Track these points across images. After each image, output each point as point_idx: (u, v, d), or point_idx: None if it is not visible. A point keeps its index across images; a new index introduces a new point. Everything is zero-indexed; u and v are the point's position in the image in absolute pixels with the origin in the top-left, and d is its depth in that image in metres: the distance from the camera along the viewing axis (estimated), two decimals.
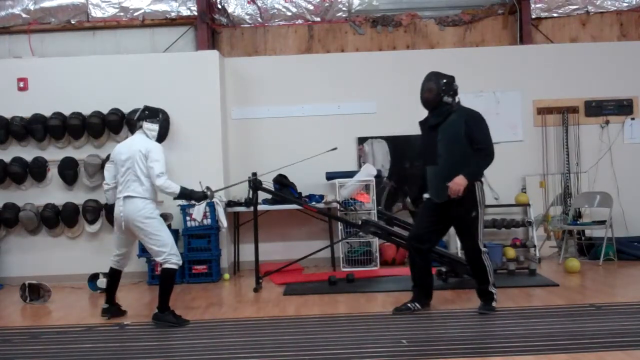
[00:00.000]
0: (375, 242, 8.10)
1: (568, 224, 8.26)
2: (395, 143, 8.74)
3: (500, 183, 8.09)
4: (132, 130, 8.09)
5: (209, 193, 5.96)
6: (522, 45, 9.03)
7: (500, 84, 8.65)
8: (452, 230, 5.93)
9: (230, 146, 8.64)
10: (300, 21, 9.27)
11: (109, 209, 6.11)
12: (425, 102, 5.60)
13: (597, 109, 8.75)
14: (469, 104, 5.75)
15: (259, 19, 9.27)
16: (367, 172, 8.26)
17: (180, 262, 5.74)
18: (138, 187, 5.55)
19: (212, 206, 7.78)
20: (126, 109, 8.11)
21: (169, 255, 5.60)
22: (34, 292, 6.86)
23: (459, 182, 5.30)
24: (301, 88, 8.75)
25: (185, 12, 9.14)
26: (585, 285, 6.80)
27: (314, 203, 8.12)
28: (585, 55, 8.79)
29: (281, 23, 9.27)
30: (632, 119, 8.77)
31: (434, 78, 5.56)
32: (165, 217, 7.91)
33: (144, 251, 7.76)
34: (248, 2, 9.25)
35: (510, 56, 8.84)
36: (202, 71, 8.25)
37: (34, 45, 9.03)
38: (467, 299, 6.01)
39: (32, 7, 9.09)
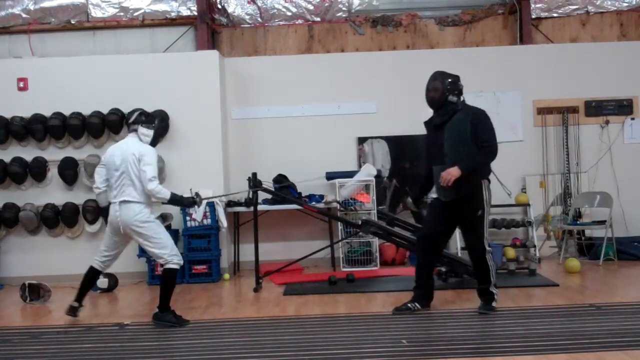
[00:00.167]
0: (375, 242, 8.10)
1: (568, 224, 8.26)
2: (395, 143, 8.74)
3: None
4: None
5: (197, 199, 5.98)
6: (522, 45, 9.03)
7: (500, 84, 8.65)
8: None
9: (230, 146, 8.64)
10: (300, 21, 9.27)
11: (102, 212, 6.08)
12: (431, 101, 5.60)
13: (597, 109, 8.75)
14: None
15: (259, 19, 9.27)
16: (367, 172, 8.26)
17: (182, 262, 5.74)
18: (133, 192, 5.53)
19: (212, 206, 7.78)
20: (126, 109, 8.06)
21: (170, 256, 5.61)
22: (34, 292, 6.86)
23: (451, 172, 5.30)
24: (301, 88, 8.75)
25: (185, 12, 9.14)
26: (585, 285, 6.80)
27: (314, 203, 8.12)
28: (585, 55, 8.79)
29: (281, 23, 9.27)
30: (632, 119, 8.77)
31: (439, 77, 5.56)
32: (166, 217, 7.90)
33: (144, 251, 7.76)
34: (248, 2, 9.25)
35: (510, 56, 8.84)
36: (202, 71, 8.25)
37: (34, 45, 9.03)
38: (467, 299, 6.01)
39: (32, 7, 9.09)
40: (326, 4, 9.24)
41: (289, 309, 6.05)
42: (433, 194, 5.84)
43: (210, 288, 7.39)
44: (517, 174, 8.56)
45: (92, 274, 5.90)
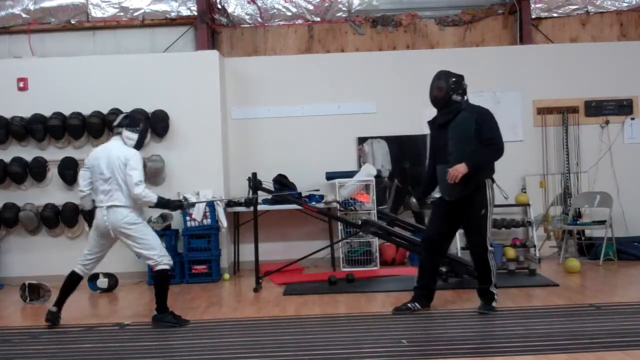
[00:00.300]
0: (375, 242, 8.09)
1: (568, 224, 8.26)
2: (395, 143, 8.73)
3: (500, 183, 8.01)
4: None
5: (185, 203, 5.99)
6: (522, 45, 9.03)
7: (500, 84, 8.65)
8: None
9: (230, 146, 8.64)
10: (300, 21, 9.27)
11: (85, 215, 6.04)
12: (435, 100, 5.60)
13: (597, 109, 8.75)
14: None
15: (259, 19, 9.27)
16: (367, 172, 8.26)
17: (172, 263, 5.73)
18: (121, 196, 5.50)
19: (212, 206, 7.79)
20: (126, 109, 8.07)
21: (160, 257, 5.59)
22: (34, 292, 6.86)
23: (458, 168, 5.29)
24: (301, 88, 8.74)
25: (185, 12, 9.14)
26: (585, 285, 6.80)
27: (314, 203, 8.12)
28: (585, 55, 8.79)
29: (281, 23, 9.27)
30: (632, 119, 8.77)
31: (443, 77, 5.56)
32: (166, 217, 7.93)
33: None
34: (248, 2, 9.25)
35: (510, 56, 8.84)
36: (202, 71, 8.25)
37: (34, 45, 9.03)
38: (467, 299, 6.01)
39: (32, 7, 9.09)
40: (326, 4, 9.24)
41: (289, 309, 6.05)
42: (437, 194, 5.84)
43: (210, 288, 7.39)
44: (517, 174, 8.55)
45: (73, 280, 5.77)
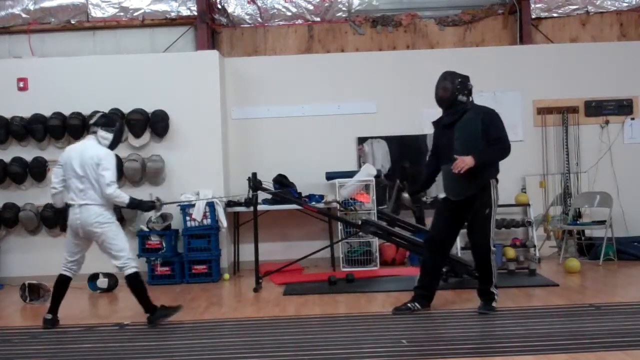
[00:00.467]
0: (375, 242, 8.09)
1: (568, 224, 8.26)
2: (395, 143, 8.73)
3: (500, 183, 8.05)
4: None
5: (157, 204, 5.97)
6: (522, 45, 9.03)
7: (500, 84, 8.64)
8: None
9: (230, 146, 8.64)
10: (300, 21, 9.27)
11: (57, 213, 6.02)
12: (440, 101, 5.60)
13: (597, 109, 8.75)
14: None
15: (259, 19, 9.27)
16: (367, 172, 8.26)
17: (138, 266, 5.74)
18: (94, 195, 5.48)
19: (212, 206, 7.79)
20: (126, 109, 8.11)
21: (127, 259, 5.58)
22: (34, 292, 6.86)
23: (465, 159, 5.28)
24: (301, 88, 8.74)
25: (185, 12, 9.14)
26: (585, 285, 6.80)
27: (314, 203, 8.12)
28: (585, 55, 8.79)
29: (281, 23, 9.27)
30: (632, 119, 8.77)
31: (449, 77, 5.56)
32: (166, 217, 7.93)
33: (144, 251, 7.78)
34: (248, 2, 9.25)
35: (510, 56, 8.84)
36: (202, 71, 8.25)
37: (34, 45, 9.03)
38: (467, 299, 6.01)
39: (32, 7, 9.09)
40: (326, 4, 9.24)
41: (289, 309, 6.05)
42: (441, 194, 5.84)
43: (210, 288, 7.39)
44: (517, 174, 8.55)
45: (62, 283, 5.76)
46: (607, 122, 8.75)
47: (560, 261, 7.94)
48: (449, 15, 9.27)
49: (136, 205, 5.77)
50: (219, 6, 9.26)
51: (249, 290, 7.05)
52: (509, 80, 8.72)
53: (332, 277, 7.16)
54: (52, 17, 9.08)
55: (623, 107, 8.76)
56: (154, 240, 7.79)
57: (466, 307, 5.76)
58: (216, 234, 7.87)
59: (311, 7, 9.25)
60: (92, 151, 5.53)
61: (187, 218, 7.81)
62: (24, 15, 9.09)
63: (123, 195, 5.55)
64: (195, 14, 9.05)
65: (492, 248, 5.52)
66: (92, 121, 5.76)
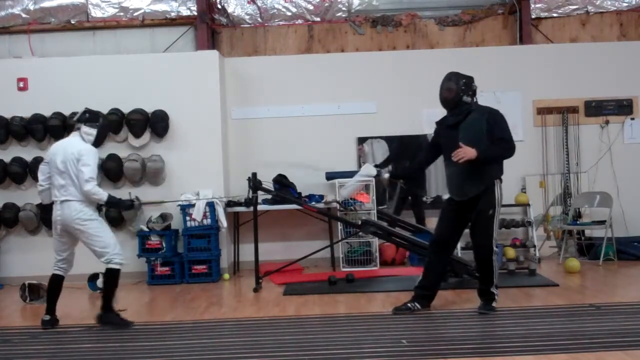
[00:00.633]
0: (375, 242, 8.09)
1: (568, 224, 8.26)
2: (395, 143, 8.73)
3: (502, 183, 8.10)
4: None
5: (136, 203, 5.94)
6: (522, 45, 9.03)
7: (500, 84, 8.63)
8: None
9: (230, 146, 8.64)
10: (300, 21, 9.27)
11: (44, 209, 5.98)
12: (445, 102, 5.60)
13: (597, 109, 8.75)
14: None
15: (259, 19, 9.27)
16: (367, 172, 8.24)
17: (124, 262, 5.68)
18: (75, 191, 5.45)
19: (212, 206, 7.79)
20: (126, 109, 8.11)
21: (112, 255, 5.54)
22: (34, 292, 6.86)
23: (467, 150, 5.27)
24: (301, 88, 8.75)
25: (185, 12, 9.14)
26: (585, 285, 6.80)
27: (313, 203, 8.12)
28: (585, 55, 8.79)
29: (281, 23, 9.27)
30: (632, 119, 8.77)
31: (453, 78, 5.56)
32: (165, 217, 7.93)
33: (144, 251, 7.78)
34: (248, 2, 9.25)
35: (510, 56, 8.84)
36: (202, 71, 8.25)
37: (34, 45, 9.03)
38: (467, 299, 6.01)
39: (32, 7, 9.09)
40: (326, 4, 9.24)
41: (289, 309, 6.05)
42: (445, 195, 5.83)
43: (210, 288, 7.39)
44: (517, 174, 8.53)
45: (56, 282, 5.73)
46: (607, 122, 8.75)
47: (560, 261, 7.94)
48: (449, 15, 9.27)
49: (114, 203, 5.73)
50: (219, 6, 9.26)
51: (249, 290, 7.05)
52: (509, 80, 8.72)
53: (332, 277, 7.16)
54: (52, 17, 9.08)
55: (623, 107, 8.76)
56: (154, 240, 7.79)
57: (466, 307, 5.76)
58: (216, 234, 7.87)
59: (311, 7, 9.25)
60: (73, 147, 5.50)
61: (187, 218, 7.80)
62: (24, 15, 9.09)
63: (101, 192, 5.49)
64: (195, 14, 9.05)
65: (495, 249, 5.51)
66: (75, 118, 5.71)
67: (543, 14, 9.26)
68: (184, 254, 7.79)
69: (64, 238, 5.63)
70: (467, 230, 5.76)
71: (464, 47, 9.10)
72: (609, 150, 8.71)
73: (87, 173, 5.39)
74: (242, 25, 9.28)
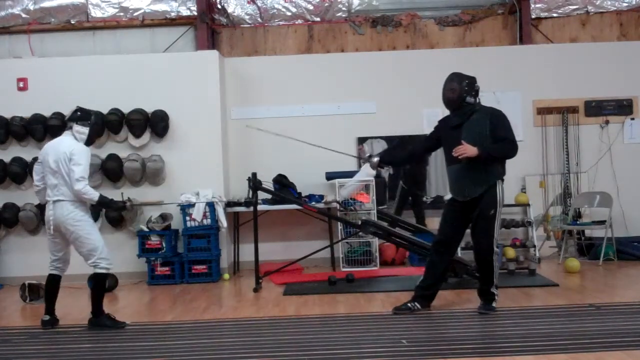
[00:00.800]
0: (375, 242, 8.09)
1: (568, 224, 8.26)
2: (395, 143, 8.72)
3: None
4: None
5: (128, 204, 5.93)
6: (522, 45, 9.03)
7: (500, 84, 8.63)
8: None
9: (230, 146, 8.64)
10: (300, 21, 9.27)
11: (43, 209, 5.95)
12: (448, 102, 5.60)
13: (597, 109, 8.75)
14: None
15: (259, 19, 9.27)
16: (367, 172, 8.25)
17: (111, 267, 5.66)
18: (67, 191, 5.44)
19: (212, 206, 7.79)
20: (126, 109, 8.11)
21: (99, 259, 5.52)
22: (34, 292, 6.86)
23: (468, 146, 5.29)
24: (301, 88, 8.75)
25: (185, 12, 9.14)
26: (585, 285, 6.79)
27: (313, 203, 8.12)
28: (585, 55, 8.79)
29: (281, 23, 9.27)
30: (632, 119, 8.77)
31: (456, 79, 5.56)
32: (165, 217, 7.93)
33: (144, 251, 7.78)
34: (248, 2, 9.25)
35: (510, 56, 8.84)
36: (202, 71, 8.25)
37: (34, 45, 9.04)
38: (467, 299, 6.01)
39: (32, 7, 9.10)
40: (326, 4, 9.24)
41: (289, 309, 6.04)
42: (447, 195, 5.83)
43: (210, 288, 7.39)
44: (517, 174, 8.54)
45: (53, 282, 5.72)
46: (607, 122, 8.75)
47: (560, 261, 7.95)
48: (449, 15, 9.28)
49: (106, 203, 5.71)
50: (219, 6, 9.27)
51: (248, 290, 7.05)
52: (509, 80, 8.72)
53: (332, 277, 7.16)
54: (52, 17, 9.09)
55: (623, 107, 8.77)
56: (154, 240, 7.79)
57: (466, 307, 5.76)
58: (216, 234, 7.87)
59: (311, 7, 9.25)
60: (65, 146, 5.48)
61: (187, 218, 7.80)
62: (24, 15, 9.10)
63: (92, 192, 5.46)
64: (195, 14, 9.05)
65: (495, 249, 5.51)
66: (67, 117, 5.67)
67: (543, 14, 9.26)
68: (184, 254, 7.79)
69: (57, 238, 5.63)
70: (467, 230, 5.76)
71: (464, 47, 9.11)
72: (609, 150, 8.71)
73: (78, 172, 5.37)
74: (242, 25, 9.28)
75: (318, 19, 9.27)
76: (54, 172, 5.47)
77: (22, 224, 8.06)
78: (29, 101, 8.12)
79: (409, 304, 5.66)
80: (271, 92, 8.75)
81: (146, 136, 8.15)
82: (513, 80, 8.72)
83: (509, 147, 5.44)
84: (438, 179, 8.68)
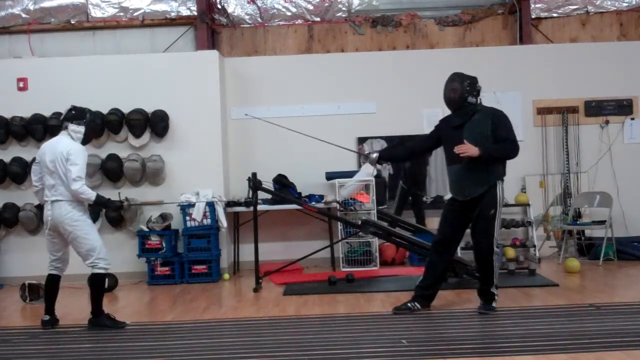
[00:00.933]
0: (375, 242, 8.09)
1: (568, 224, 8.26)
2: (395, 143, 8.72)
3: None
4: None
5: (125, 204, 5.91)
6: (522, 45, 9.03)
7: (500, 84, 8.63)
8: None
9: (230, 146, 8.64)
10: (300, 21, 9.27)
11: (42, 209, 5.94)
12: (449, 102, 5.60)
13: (597, 109, 8.75)
14: None
15: (259, 19, 9.27)
16: (367, 172, 8.25)
17: (109, 267, 5.65)
18: (65, 191, 5.43)
19: (212, 206, 7.79)
20: (126, 109, 8.11)
21: (97, 259, 5.51)
22: (34, 292, 6.86)
23: (470, 146, 5.29)
24: (301, 88, 8.75)
25: (185, 12, 9.14)
26: (585, 285, 6.79)
27: (313, 203, 8.12)
28: (585, 55, 8.79)
29: (281, 23, 9.27)
30: (632, 119, 8.77)
31: (457, 79, 5.56)
32: (165, 217, 7.93)
33: (144, 251, 7.78)
34: (248, 2, 9.25)
35: (510, 56, 8.84)
36: (202, 71, 8.25)
37: (34, 45, 9.04)
38: (467, 299, 6.01)
39: (32, 7, 9.10)
40: (326, 4, 9.25)
41: (289, 309, 6.04)
42: (447, 195, 5.83)
43: (210, 288, 7.39)
44: (517, 174, 8.54)
45: (53, 282, 5.71)
46: (607, 122, 8.75)
47: (560, 261, 7.95)
48: (449, 15, 9.28)
49: (103, 203, 5.70)
50: (219, 6, 9.27)
51: (248, 290, 7.05)
52: (509, 80, 8.72)
53: (332, 277, 7.16)
54: (52, 17, 9.09)
55: (623, 107, 8.77)
56: (154, 240, 7.79)
57: (466, 307, 5.76)
58: (216, 234, 7.87)
59: (311, 7, 9.25)
60: (62, 146, 5.46)
61: (187, 218, 7.80)
62: (24, 15, 9.10)
63: (89, 192, 5.46)
64: (195, 14, 9.05)
65: (495, 249, 5.51)
66: (62, 117, 5.66)
67: (543, 14, 9.26)
68: (184, 254, 7.79)
69: (55, 238, 5.62)
70: (467, 230, 5.76)
71: (464, 47, 9.11)
72: (609, 150, 8.71)
73: (74, 172, 5.36)
74: (242, 25, 9.28)
75: (318, 19, 9.27)
76: (51, 173, 5.47)
77: (22, 224, 8.06)
78: (29, 101, 8.12)
79: (408, 304, 5.66)
80: (271, 92, 8.75)
81: (146, 136, 8.15)
82: (513, 80, 8.72)
83: (510, 147, 5.45)
84: (438, 179, 8.69)
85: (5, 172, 8.08)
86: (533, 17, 9.18)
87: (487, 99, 8.31)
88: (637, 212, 8.61)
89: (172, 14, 9.17)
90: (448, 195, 5.87)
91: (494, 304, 5.55)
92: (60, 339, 5.34)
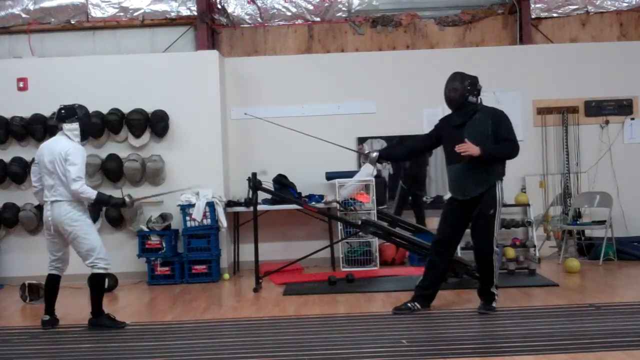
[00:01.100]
0: (375, 242, 8.09)
1: (568, 224, 8.26)
2: (395, 143, 8.72)
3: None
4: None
5: (127, 200, 5.87)
6: (522, 45, 9.03)
7: (500, 84, 8.62)
8: None
9: (230, 146, 8.64)
10: (300, 21, 9.27)
11: (42, 209, 5.93)
12: (450, 102, 5.60)
13: (597, 109, 8.75)
14: None
15: (259, 19, 9.27)
16: (367, 172, 8.25)
17: (109, 267, 5.65)
18: (64, 191, 5.42)
19: (212, 206, 7.79)
20: (126, 109, 8.11)
21: (97, 259, 5.51)
22: (34, 292, 6.86)
23: (472, 145, 5.29)
24: (301, 88, 8.75)
25: (185, 12, 9.14)
26: (585, 285, 6.79)
27: (313, 203, 8.12)
28: (585, 55, 8.79)
29: (281, 23, 9.27)
30: (632, 119, 8.77)
31: (458, 78, 5.56)
32: (165, 217, 7.93)
33: (144, 251, 7.78)
34: (248, 2, 9.25)
35: (510, 56, 8.84)
36: (202, 71, 8.25)
37: (34, 45, 9.04)
38: (467, 299, 6.01)
39: (32, 7, 9.10)
40: (326, 4, 9.24)
41: (289, 309, 6.05)
42: (447, 195, 5.84)
43: (210, 288, 7.39)
44: (517, 174, 8.54)
45: (53, 282, 5.71)
46: (607, 122, 8.75)
47: (560, 261, 7.95)
48: (449, 15, 9.28)
49: (104, 201, 5.68)
50: (219, 6, 9.27)
51: (248, 290, 7.05)
52: (509, 80, 8.71)
53: (332, 277, 7.16)
54: (52, 17, 9.09)
55: (623, 107, 8.77)
56: (154, 240, 7.79)
57: (466, 307, 5.76)
58: (216, 234, 7.87)
59: (311, 7, 9.25)
60: (61, 146, 5.45)
61: (187, 218, 7.80)
62: (24, 15, 9.10)
63: (89, 191, 5.45)
64: (195, 14, 9.05)
65: (495, 249, 5.51)
66: (54, 119, 5.62)
67: (543, 14, 9.26)
68: (184, 254, 7.79)
69: (55, 238, 5.62)
70: (467, 230, 5.76)
71: (464, 47, 9.11)
72: (609, 150, 8.71)
73: (74, 172, 5.35)
74: (242, 25, 9.28)
75: (318, 19, 9.27)
76: (50, 173, 5.47)
77: (22, 224, 8.07)
78: (29, 101, 8.12)
79: (408, 304, 5.66)
80: (271, 92, 8.75)
81: (146, 136, 8.15)
82: (513, 80, 8.72)
83: (511, 147, 5.46)
84: (438, 179, 8.69)
85: (5, 172, 8.08)
86: (533, 17, 9.18)
87: (487, 99, 8.30)
88: (637, 212, 8.61)
89: (172, 14, 9.17)
90: (448, 195, 5.87)
91: (494, 304, 5.55)
92: (60, 339, 5.34)
